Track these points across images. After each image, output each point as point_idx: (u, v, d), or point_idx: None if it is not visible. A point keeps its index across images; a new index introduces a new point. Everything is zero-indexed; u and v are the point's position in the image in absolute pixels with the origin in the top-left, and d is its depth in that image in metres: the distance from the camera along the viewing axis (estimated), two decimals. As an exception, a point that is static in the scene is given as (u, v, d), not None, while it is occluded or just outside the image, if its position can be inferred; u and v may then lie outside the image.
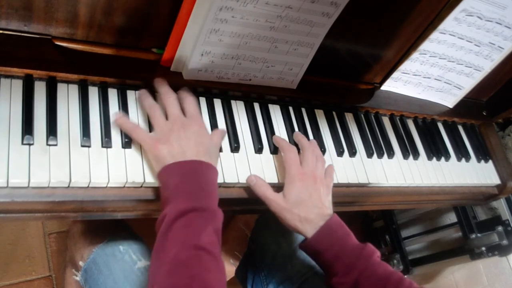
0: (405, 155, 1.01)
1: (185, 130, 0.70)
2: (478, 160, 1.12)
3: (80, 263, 0.87)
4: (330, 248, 0.74)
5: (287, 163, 0.79)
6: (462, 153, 1.10)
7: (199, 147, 0.69)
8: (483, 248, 1.39)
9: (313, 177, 0.78)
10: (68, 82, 0.73)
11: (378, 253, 0.74)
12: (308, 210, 0.75)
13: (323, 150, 0.89)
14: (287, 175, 0.78)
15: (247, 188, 0.80)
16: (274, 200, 0.76)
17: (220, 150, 0.80)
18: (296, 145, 0.84)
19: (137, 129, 0.71)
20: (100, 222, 0.90)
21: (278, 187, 0.79)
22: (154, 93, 0.79)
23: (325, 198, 0.78)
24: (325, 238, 0.75)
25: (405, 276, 0.75)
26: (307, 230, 0.75)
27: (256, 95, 0.89)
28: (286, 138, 0.88)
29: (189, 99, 0.75)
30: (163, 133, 0.70)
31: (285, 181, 0.78)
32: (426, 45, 0.95)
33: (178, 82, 0.80)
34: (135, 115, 0.76)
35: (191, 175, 0.67)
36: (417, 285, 0.71)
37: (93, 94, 0.74)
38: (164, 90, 0.75)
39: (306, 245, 0.77)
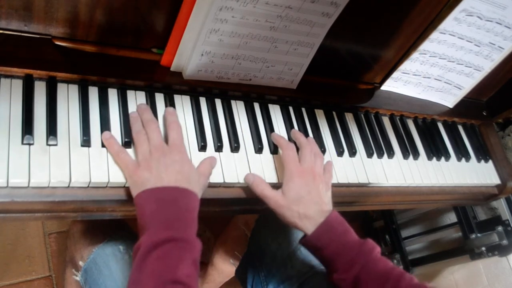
0: (405, 155, 1.01)
1: (165, 158, 0.68)
2: (478, 160, 1.12)
3: (80, 263, 0.87)
4: (330, 245, 0.74)
5: (286, 161, 0.79)
6: (462, 153, 1.10)
7: (178, 174, 0.68)
8: (483, 248, 1.39)
9: (311, 174, 0.78)
10: (68, 82, 0.73)
11: (378, 249, 0.74)
12: (307, 206, 0.75)
13: (323, 150, 0.89)
14: (286, 172, 0.78)
15: (247, 188, 0.80)
16: (273, 197, 0.76)
17: (220, 150, 0.80)
18: (294, 143, 0.84)
19: (121, 153, 0.70)
20: (100, 222, 0.90)
21: (278, 187, 0.79)
22: (154, 93, 0.79)
23: (324, 195, 0.78)
24: (324, 234, 0.74)
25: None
26: (307, 227, 0.75)
27: (256, 95, 0.89)
28: (286, 138, 0.88)
29: (173, 125, 0.73)
30: (144, 160, 0.68)
31: (284, 178, 0.78)
32: (426, 45, 0.95)
33: (178, 82, 0.81)
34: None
35: (168, 202, 0.65)
36: (417, 280, 0.71)
37: (93, 94, 0.74)
38: (147, 118, 0.73)
39: (306, 242, 0.77)
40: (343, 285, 0.73)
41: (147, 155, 0.69)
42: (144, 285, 0.59)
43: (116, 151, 0.70)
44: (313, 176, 0.78)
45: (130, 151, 0.72)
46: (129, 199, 0.71)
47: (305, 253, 0.93)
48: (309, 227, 0.75)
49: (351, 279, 0.72)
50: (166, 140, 0.73)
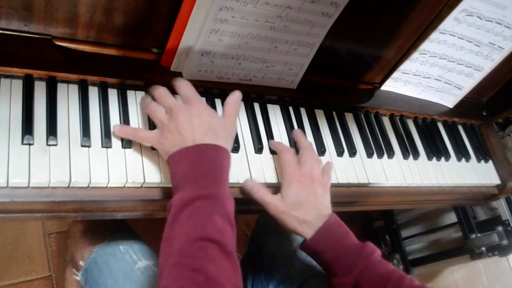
0: (405, 155, 1.01)
1: (183, 116, 0.68)
2: (478, 160, 1.12)
3: (81, 263, 0.87)
4: (329, 249, 0.74)
5: (285, 164, 0.79)
6: (462, 153, 1.10)
7: (200, 128, 0.67)
8: (483, 248, 1.39)
9: (310, 178, 0.78)
10: (68, 82, 0.73)
11: (378, 252, 0.74)
12: (306, 211, 0.75)
13: (323, 150, 0.89)
14: (285, 176, 0.78)
15: (247, 188, 0.80)
16: (272, 203, 0.76)
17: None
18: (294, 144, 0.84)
19: (139, 131, 0.71)
20: (100, 222, 0.90)
21: (277, 187, 0.79)
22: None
23: (323, 199, 0.78)
24: (324, 239, 0.74)
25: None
26: (305, 232, 0.75)
27: (256, 95, 0.89)
28: (286, 138, 0.88)
29: (180, 82, 0.73)
30: (164, 126, 0.69)
31: (282, 182, 0.78)
32: (426, 45, 0.95)
33: (178, 82, 0.80)
34: (135, 115, 0.76)
35: (195, 160, 0.66)
36: (418, 282, 0.71)
37: (93, 94, 0.74)
38: (153, 88, 0.73)
39: (306, 246, 0.77)
40: None
41: (164, 120, 0.69)
42: (175, 240, 0.60)
43: (132, 133, 0.71)
44: (312, 180, 0.78)
45: (130, 151, 0.72)
46: (129, 199, 0.71)
47: (305, 254, 0.93)
48: (309, 231, 0.75)
49: (352, 283, 0.72)
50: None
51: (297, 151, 0.83)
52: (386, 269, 0.72)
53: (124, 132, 0.71)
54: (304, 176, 0.77)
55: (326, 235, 0.74)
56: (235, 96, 0.75)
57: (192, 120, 0.68)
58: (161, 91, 0.72)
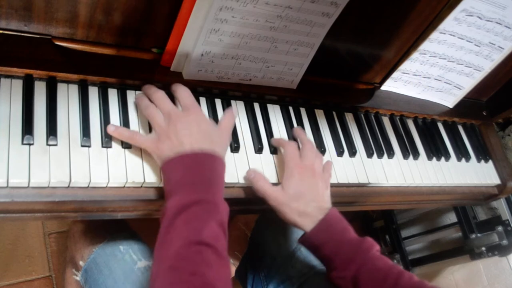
0: (405, 155, 1.01)
1: (182, 122, 0.68)
2: (478, 160, 1.12)
3: (80, 263, 0.87)
4: (328, 242, 0.74)
5: (287, 156, 0.79)
6: (462, 153, 1.10)
7: (198, 135, 0.68)
8: (483, 248, 1.39)
9: (311, 170, 0.78)
10: (68, 82, 0.73)
11: (377, 247, 0.74)
12: (306, 203, 0.75)
13: (323, 150, 0.89)
14: (286, 168, 0.78)
15: (247, 188, 0.80)
16: (273, 194, 0.76)
17: (220, 150, 0.80)
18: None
19: (135, 135, 0.70)
20: (100, 222, 0.90)
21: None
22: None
23: (323, 192, 0.78)
24: (323, 232, 0.74)
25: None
26: (305, 224, 0.75)
27: (256, 95, 0.89)
28: (286, 138, 0.88)
29: (180, 89, 0.73)
30: (161, 130, 0.69)
31: (284, 174, 0.78)
32: (426, 45, 0.95)
33: (178, 82, 0.80)
34: (135, 115, 0.76)
35: (192, 166, 0.66)
36: (417, 278, 0.71)
37: (93, 94, 0.74)
38: (151, 90, 0.73)
39: (305, 240, 0.77)
40: (342, 283, 0.73)
41: (163, 125, 0.69)
42: (171, 246, 0.60)
43: (128, 136, 0.70)
44: (313, 173, 0.78)
45: (130, 151, 0.72)
46: (129, 199, 0.71)
47: (305, 253, 0.93)
48: (308, 224, 0.75)
49: (350, 277, 0.72)
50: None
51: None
52: (385, 264, 0.72)
53: (118, 133, 0.70)
54: (306, 168, 0.78)
55: (325, 229, 0.74)
56: (232, 111, 0.76)
57: (190, 127, 0.68)
58: (160, 95, 0.72)
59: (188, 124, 0.68)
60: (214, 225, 0.62)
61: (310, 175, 0.77)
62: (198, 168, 0.66)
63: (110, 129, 0.70)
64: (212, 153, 0.68)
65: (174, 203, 0.63)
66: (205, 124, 0.70)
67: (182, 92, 0.73)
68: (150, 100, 0.73)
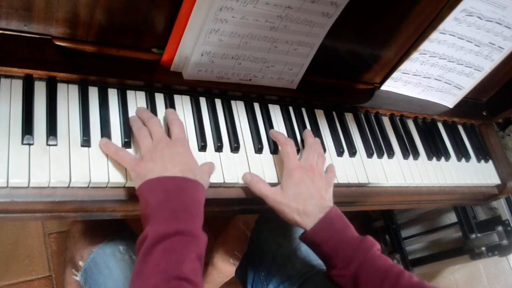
0: (405, 155, 1.01)
1: (170, 149, 0.68)
2: (478, 160, 1.12)
3: (80, 263, 0.87)
4: (328, 241, 0.74)
5: (285, 156, 0.79)
6: (462, 153, 1.10)
7: (183, 165, 0.67)
8: (483, 248, 1.39)
9: (311, 170, 0.78)
10: (68, 82, 0.73)
11: (378, 246, 0.74)
12: (306, 202, 0.75)
13: (323, 150, 0.89)
14: (285, 168, 0.78)
15: (247, 188, 0.80)
16: (271, 195, 0.76)
17: (220, 150, 0.80)
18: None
19: (120, 151, 0.69)
20: (100, 222, 0.90)
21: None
22: (154, 93, 0.79)
23: (324, 191, 0.78)
24: (323, 230, 0.74)
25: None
26: (306, 223, 0.75)
27: (256, 95, 0.89)
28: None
29: (175, 121, 0.74)
30: (147, 152, 0.68)
31: (283, 174, 0.78)
32: (426, 45, 0.95)
33: (178, 82, 0.81)
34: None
35: (174, 192, 0.64)
36: (417, 278, 0.71)
37: (93, 94, 0.74)
38: (147, 115, 0.74)
39: (305, 237, 0.77)
40: (342, 281, 0.73)
41: (150, 148, 0.69)
42: (149, 278, 0.58)
43: (114, 150, 0.70)
44: (313, 172, 0.78)
45: (130, 151, 0.72)
46: (129, 199, 0.71)
47: (305, 253, 0.93)
48: (309, 223, 0.75)
49: (350, 276, 0.72)
50: (168, 136, 0.72)
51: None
52: (385, 264, 0.72)
53: (107, 147, 0.70)
54: (305, 168, 0.78)
55: (326, 227, 0.74)
56: (211, 164, 0.76)
57: (177, 156, 0.68)
58: (155, 121, 0.72)
59: (176, 154, 0.68)
60: (193, 258, 0.61)
61: (309, 174, 0.77)
62: (179, 193, 0.64)
63: (102, 142, 0.70)
64: (195, 181, 0.67)
65: (153, 232, 0.61)
66: (191, 159, 0.70)
67: (176, 124, 0.73)
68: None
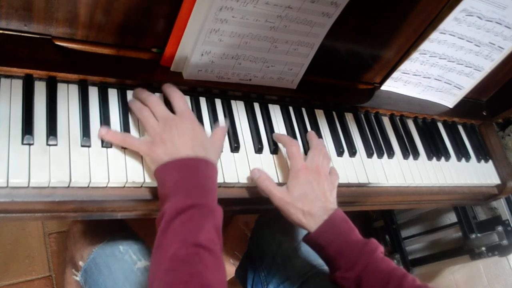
0: (405, 155, 1.01)
1: (177, 127, 0.69)
2: (478, 160, 1.12)
3: (80, 263, 0.87)
4: (332, 243, 0.74)
5: (290, 157, 0.79)
6: (462, 153, 1.10)
7: (194, 142, 0.68)
8: (483, 248, 1.39)
9: (317, 172, 0.78)
10: (68, 82, 0.73)
11: (381, 249, 0.74)
12: (311, 204, 0.75)
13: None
14: (291, 169, 0.78)
15: (247, 188, 0.80)
16: (278, 194, 0.76)
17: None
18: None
19: (128, 137, 0.70)
20: (100, 222, 0.90)
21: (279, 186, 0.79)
22: (154, 93, 0.79)
23: (329, 193, 0.78)
24: (328, 232, 0.74)
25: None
26: (310, 225, 0.75)
27: (256, 95, 0.89)
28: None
29: (175, 94, 0.74)
30: (156, 134, 0.69)
31: (289, 175, 0.78)
32: (426, 45, 0.95)
33: (178, 82, 0.80)
34: (134, 115, 0.75)
35: (189, 171, 0.66)
36: (420, 282, 0.71)
37: (93, 94, 0.74)
38: (145, 94, 0.73)
39: (309, 239, 0.77)
40: (345, 284, 0.73)
41: (157, 129, 0.69)
42: (168, 248, 0.60)
43: (121, 138, 0.70)
44: (319, 174, 0.78)
45: (130, 151, 0.72)
46: (129, 199, 0.71)
47: (305, 253, 0.93)
48: (313, 224, 0.75)
49: (354, 278, 0.72)
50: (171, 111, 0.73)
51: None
52: (388, 266, 0.72)
53: (111, 135, 0.70)
54: (311, 170, 0.78)
55: (330, 229, 0.74)
56: (224, 125, 0.77)
57: (186, 132, 0.69)
58: (154, 99, 0.72)
59: (183, 130, 0.69)
60: (210, 228, 0.63)
61: (315, 176, 0.77)
62: (193, 173, 0.67)
63: (101, 132, 0.70)
64: (206, 159, 0.68)
65: (170, 207, 0.63)
66: (199, 131, 0.71)
67: (177, 97, 0.73)
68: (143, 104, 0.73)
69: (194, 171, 0.67)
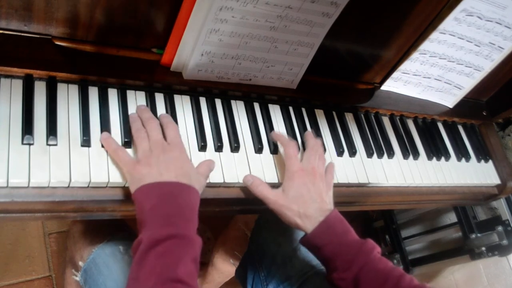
0: (405, 155, 1.01)
1: (165, 154, 0.69)
2: (478, 160, 1.12)
3: (80, 263, 0.87)
4: (329, 244, 0.74)
5: (287, 158, 0.79)
6: (462, 153, 1.10)
7: (179, 170, 0.68)
8: (483, 248, 1.39)
9: (312, 173, 0.78)
10: (68, 82, 0.73)
11: (378, 249, 0.74)
12: (307, 205, 0.75)
13: (323, 150, 0.89)
14: (287, 171, 0.78)
15: (247, 188, 0.80)
16: (273, 198, 0.76)
17: (220, 150, 0.80)
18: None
19: (119, 151, 0.70)
20: (100, 222, 0.90)
21: (278, 187, 0.79)
22: (154, 93, 0.79)
23: (325, 194, 0.78)
24: (324, 233, 0.74)
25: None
26: (307, 226, 0.75)
27: (256, 95, 0.89)
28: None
29: (170, 125, 0.74)
30: (144, 156, 0.69)
31: (285, 176, 0.78)
32: (426, 45, 0.95)
33: (178, 82, 0.81)
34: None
35: (169, 197, 0.65)
36: (417, 281, 0.71)
37: (93, 94, 0.74)
38: (146, 116, 0.74)
39: (306, 241, 0.77)
40: (343, 284, 0.73)
41: (147, 152, 0.69)
42: (144, 281, 0.58)
43: (114, 149, 0.70)
44: (314, 175, 0.78)
45: (129, 151, 0.72)
46: (129, 199, 0.71)
47: (305, 253, 0.93)
48: (309, 226, 0.75)
49: (351, 279, 0.72)
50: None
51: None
52: (386, 267, 0.72)
53: (107, 142, 0.70)
54: (306, 171, 0.78)
55: (326, 230, 0.74)
56: (210, 162, 0.76)
57: (172, 161, 0.68)
58: (154, 125, 0.72)
59: (172, 159, 0.69)
60: (188, 261, 0.61)
61: (311, 177, 0.77)
62: (172, 199, 0.65)
63: (102, 136, 0.71)
64: (189, 185, 0.67)
65: (147, 237, 0.61)
66: (187, 163, 0.71)
67: (170, 127, 0.73)
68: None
69: (174, 196, 0.65)
